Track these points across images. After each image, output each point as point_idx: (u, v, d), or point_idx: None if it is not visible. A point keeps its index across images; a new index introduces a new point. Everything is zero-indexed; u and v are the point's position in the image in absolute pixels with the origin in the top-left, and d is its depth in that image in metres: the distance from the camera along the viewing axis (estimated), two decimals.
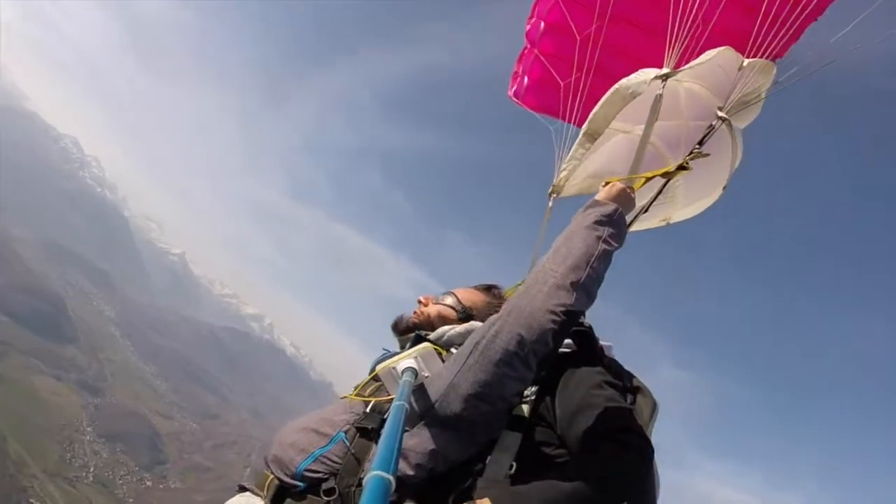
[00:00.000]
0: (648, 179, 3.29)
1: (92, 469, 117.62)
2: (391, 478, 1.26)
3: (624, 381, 2.74)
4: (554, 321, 2.36)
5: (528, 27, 4.92)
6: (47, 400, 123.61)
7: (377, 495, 1.19)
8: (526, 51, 5.02)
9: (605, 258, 2.56)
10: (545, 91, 4.80)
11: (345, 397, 2.67)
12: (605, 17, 4.21)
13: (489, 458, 2.42)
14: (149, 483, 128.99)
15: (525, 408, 2.59)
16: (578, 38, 4.34)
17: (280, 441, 2.49)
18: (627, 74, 3.47)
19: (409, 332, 3.00)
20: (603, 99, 3.51)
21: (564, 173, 3.77)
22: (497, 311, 2.57)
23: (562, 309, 2.37)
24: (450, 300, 3.11)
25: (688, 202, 3.92)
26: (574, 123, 4.26)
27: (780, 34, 3.55)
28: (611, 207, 2.72)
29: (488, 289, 3.26)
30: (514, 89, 5.20)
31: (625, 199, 2.86)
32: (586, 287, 2.47)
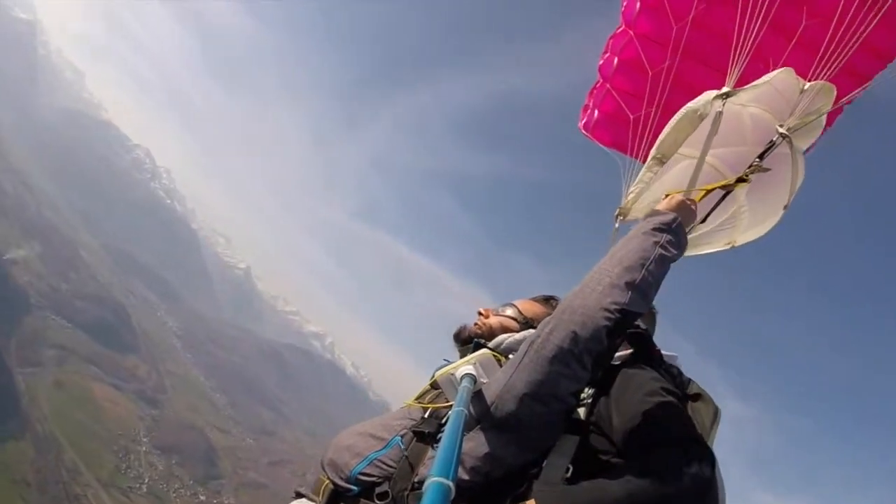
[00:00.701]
0: (709, 192, 3.45)
1: (146, 480, 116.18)
2: (451, 484, 1.25)
3: (682, 388, 2.72)
4: (608, 318, 2.33)
5: (602, 62, 5.08)
6: (105, 408, 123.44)
7: (437, 501, 1.19)
8: (598, 85, 5.15)
9: (661, 263, 2.55)
10: (615, 125, 4.93)
11: (405, 404, 2.69)
12: (676, 54, 4.40)
13: (546, 461, 2.40)
14: (202, 497, 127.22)
15: (582, 411, 2.59)
16: (650, 73, 4.53)
17: (336, 445, 2.52)
18: None
19: (471, 342, 3.00)
20: (671, 123, 3.63)
21: (632, 196, 3.80)
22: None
23: (616, 307, 2.34)
24: (510, 311, 3.14)
25: (751, 225, 3.90)
26: (639, 158, 4.38)
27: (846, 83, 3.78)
28: (670, 216, 2.74)
29: (547, 300, 3.28)
30: (583, 122, 5.32)
31: (684, 209, 2.91)
32: (641, 288, 2.44)
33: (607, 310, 2.33)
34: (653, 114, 4.35)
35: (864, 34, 3.65)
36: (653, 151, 3.70)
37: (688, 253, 3.26)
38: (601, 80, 5.06)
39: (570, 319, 2.35)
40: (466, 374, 2.48)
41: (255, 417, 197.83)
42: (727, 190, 3.46)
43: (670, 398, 2.44)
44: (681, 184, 3.81)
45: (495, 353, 2.69)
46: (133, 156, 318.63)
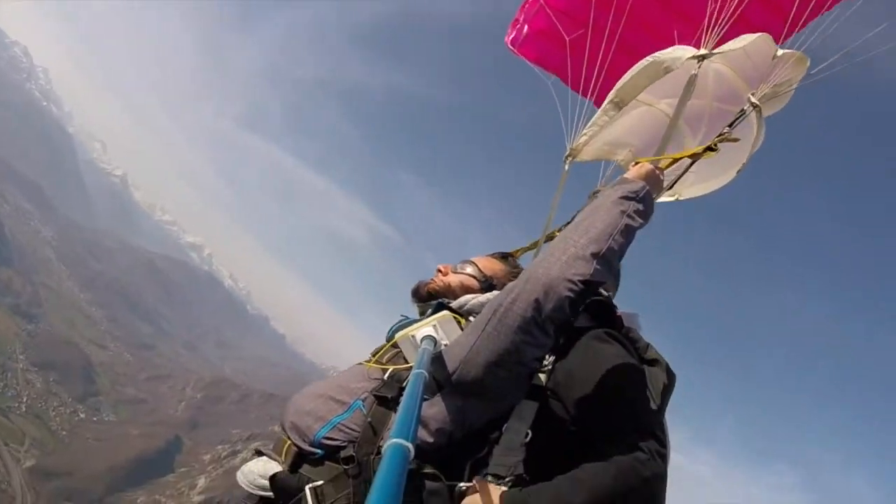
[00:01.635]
0: (676, 160, 3.36)
1: (25, 399, 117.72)
2: (410, 445, 1.26)
3: (640, 353, 2.73)
4: (571, 290, 2.31)
5: None
6: None
7: (396, 463, 1.19)
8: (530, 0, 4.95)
9: (627, 233, 2.51)
10: (545, 43, 4.82)
11: (361, 364, 2.66)
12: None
13: (505, 426, 2.42)
14: (82, 415, 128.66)
15: (542, 377, 2.60)
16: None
17: (296, 408, 2.49)
18: (653, 52, 3.60)
19: (430, 299, 3.01)
20: (634, 69, 3.64)
21: (584, 138, 3.86)
22: (516, 279, 2.55)
23: (579, 278, 2.32)
24: (470, 269, 3.10)
25: (699, 180, 3.94)
26: (574, 86, 4.40)
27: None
28: (638, 185, 2.70)
29: (505, 257, 3.30)
30: (511, 36, 5.11)
31: (653, 179, 2.85)
32: (606, 258, 2.41)
33: (570, 280, 2.31)
34: (589, 36, 4.18)
35: None
36: (610, 95, 3.70)
37: None
38: None
39: (534, 289, 2.34)
40: (427, 335, 2.46)
41: (133, 331, 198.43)
42: (695, 159, 3.36)
43: (630, 378, 2.49)
44: (635, 132, 4.11)
45: (456, 315, 2.69)
46: (10, 53, 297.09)
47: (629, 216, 2.54)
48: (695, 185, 3.96)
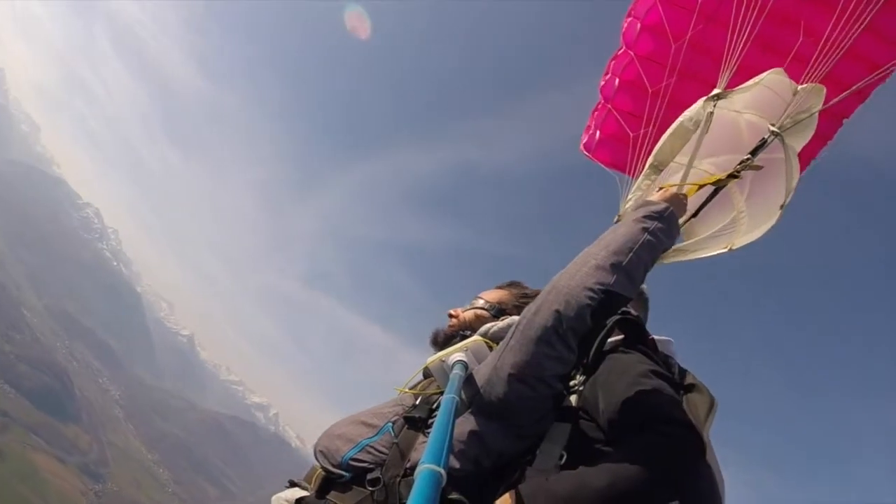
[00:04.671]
0: (701, 186, 3.48)
1: None
2: (442, 471, 1.25)
3: (675, 376, 2.69)
4: (591, 298, 2.31)
5: (603, 83, 5.25)
6: (48, 481, 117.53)
7: (428, 488, 1.18)
8: (599, 106, 5.30)
9: (649, 248, 2.53)
10: (616, 145, 5.06)
11: (397, 390, 2.71)
12: (674, 74, 4.59)
13: (539, 449, 2.37)
14: None
15: (573, 398, 2.58)
16: (650, 91, 4.72)
17: (329, 433, 2.51)
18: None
19: (449, 342, 2.94)
20: (667, 132, 3.80)
21: (630, 204, 3.88)
22: (527, 302, 2.59)
23: (600, 287, 2.33)
24: (479, 303, 3.16)
25: (750, 228, 3.86)
26: (636, 175, 4.46)
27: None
28: (661, 206, 2.73)
29: (510, 285, 3.31)
30: (585, 142, 5.44)
31: (676, 201, 2.91)
32: (628, 271, 2.42)
33: (591, 289, 2.32)
34: (651, 132, 4.48)
35: (849, 44, 3.84)
36: (650, 160, 3.82)
37: (688, 258, 3.71)
38: (602, 102, 5.24)
39: (555, 300, 2.34)
40: (458, 360, 2.48)
41: (199, 493, 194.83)
42: (719, 185, 3.50)
43: (658, 381, 2.42)
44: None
45: (486, 340, 2.70)
46: (82, 214, 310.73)
47: (651, 233, 2.57)
48: (746, 234, 3.87)
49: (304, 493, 2.39)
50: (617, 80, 5.05)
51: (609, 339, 2.69)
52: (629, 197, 3.92)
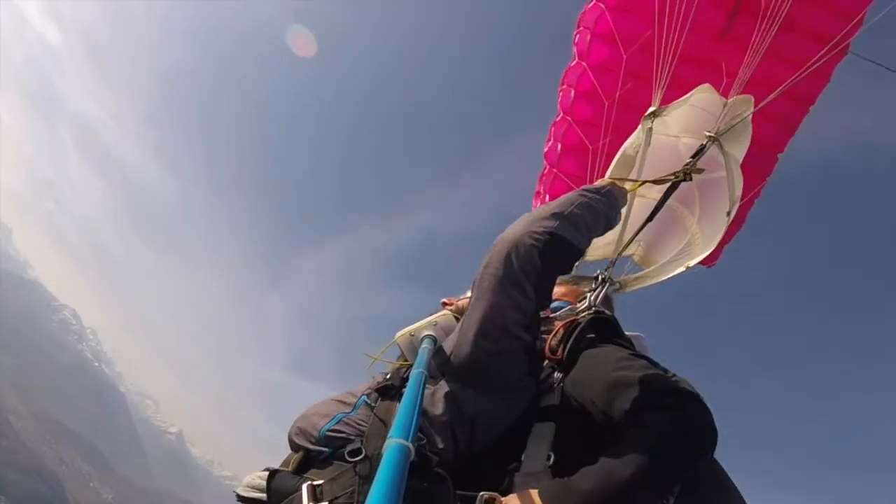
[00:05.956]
0: (641, 184, 3.61)
1: None
2: (410, 445, 1.24)
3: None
4: (537, 240, 2.35)
5: (546, 149, 5.65)
6: None
7: (396, 463, 1.17)
8: (545, 172, 5.70)
9: (588, 208, 2.63)
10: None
11: (366, 355, 2.70)
12: (609, 133, 5.00)
13: (524, 452, 2.30)
14: None
15: (556, 395, 2.50)
16: (590, 149, 5.19)
17: (303, 415, 2.40)
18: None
19: None
20: (612, 165, 4.19)
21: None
22: None
23: (544, 229, 2.38)
24: (469, 293, 2.98)
25: (703, 246, 4.00)
26: None
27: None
28: (601, 183, 2.92)
29: None
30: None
31: (616, 186, 3.00)
32: (570, 219, 2.49)
33: (535, 232, 2.36)
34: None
35: (770, 45, 4.14)
36: None
37: (649, 284, 3.94)
38: (548, 167, 5.64)
39: (502, 248, 2.36)
40: (427, 335, 2.51)
41: None
42: (659, 182, 3.62)
43: (643, 360, 2.38)
44: (634, 225, 4.02)
45: (454, 314, 2.75)
46: (60, 316, 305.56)
47: (588, 198, 2.69)
48: (700, 254, 3.99)
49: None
50: (559, 146, 5.45)
51: (585, 337, 2.63)
52: None
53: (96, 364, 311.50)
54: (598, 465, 1.97)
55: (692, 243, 3.99)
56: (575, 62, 5.33)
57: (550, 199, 5.13)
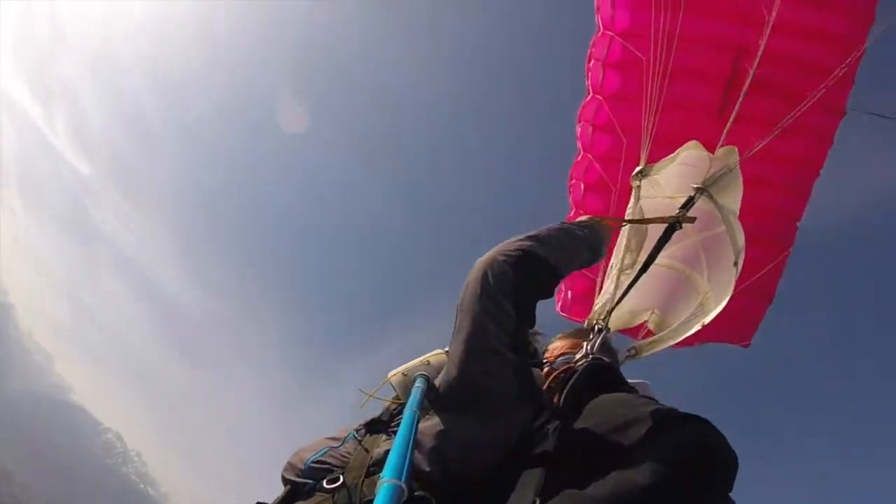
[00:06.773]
0: (627, 223, 3.90)
1: None
2: (403, 485, 1.25)
3: None
4: (509, 256, 2.38)
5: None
6: None
7: (388, 502, 1.18)
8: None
9: (566, 232, 2.68)
10: (588, 298, 5.26)
11: (362, 392, 2.72)
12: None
13: (512, 495, 2.18)
14: None
15: (550, 442, 2.36)
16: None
17: (296, 452, 2.44)
18: None
19: None
20: (619, 239, 4.18)
21: (597, 307, 3.95)
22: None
23: (516, 248, 2.42)
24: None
25: (716, 302, 3.96)
26: None
27: None
28: (583, 218, 3.02)
29: None
30: (559, 305, 6.03)
31: (598, 223, 3.06)
32: (543, 239, 2.52)
33: (509, 251, 2.40)
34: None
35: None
36: (612, 262, 4.10)
37: (664, 346, 3.81)
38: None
39: (478, 270, 2.38)
40: (420, 374, 2.51)
41: None
42: (645, 223, 3.86)
43: (650, 400, 2.34)
44: (651, 294, 4.19)
45: (446, 353, 2.64)
46: (104, 439, 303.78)
47: (566, 226, 2.76)
48: (714, 311, 3.91)
49: None
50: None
51: (580, 383, 2.59)
52: (596, 301, 4.03)
53: (142, 486, 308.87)
54: (611, 475, 1.91)
55: (705, 302, 3.97)
56: (581, 156, 5.62)
57: (573, 295, 5.82)
